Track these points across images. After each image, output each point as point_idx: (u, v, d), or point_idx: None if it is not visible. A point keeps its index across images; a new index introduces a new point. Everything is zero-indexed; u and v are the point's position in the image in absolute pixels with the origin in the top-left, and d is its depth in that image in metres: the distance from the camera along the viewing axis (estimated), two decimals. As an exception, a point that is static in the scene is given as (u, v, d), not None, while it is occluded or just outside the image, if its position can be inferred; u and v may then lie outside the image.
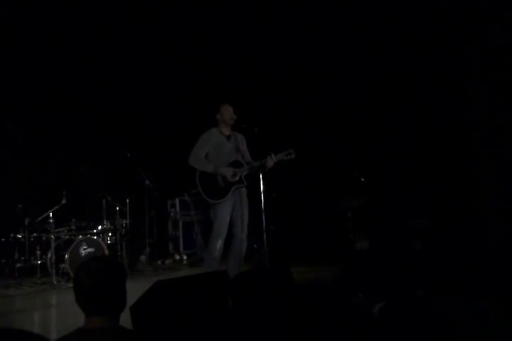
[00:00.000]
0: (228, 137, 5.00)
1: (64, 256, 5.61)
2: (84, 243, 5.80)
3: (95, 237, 5.99)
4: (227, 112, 4.92)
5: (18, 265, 5.84)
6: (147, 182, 7.02)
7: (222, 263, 4.86)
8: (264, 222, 4.79)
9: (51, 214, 5.76)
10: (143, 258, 6.90)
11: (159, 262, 7.18)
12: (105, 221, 6.29)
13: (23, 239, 5.86)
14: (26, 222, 5.81)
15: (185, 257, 7.42)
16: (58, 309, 4.72)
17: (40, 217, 5.90)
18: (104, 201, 6.34)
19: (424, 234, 5.97)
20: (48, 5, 6.30)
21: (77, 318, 4.19)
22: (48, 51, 6.77)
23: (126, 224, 6.63)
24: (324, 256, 6.25)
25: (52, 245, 5.67)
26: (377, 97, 6.91)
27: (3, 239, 5.98)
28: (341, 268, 4.84)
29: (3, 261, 6.05)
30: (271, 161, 4.76)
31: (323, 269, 5.49)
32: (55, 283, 5.51)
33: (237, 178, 4.84)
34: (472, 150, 6.16)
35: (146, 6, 6.74)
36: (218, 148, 4.90)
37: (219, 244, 4.73)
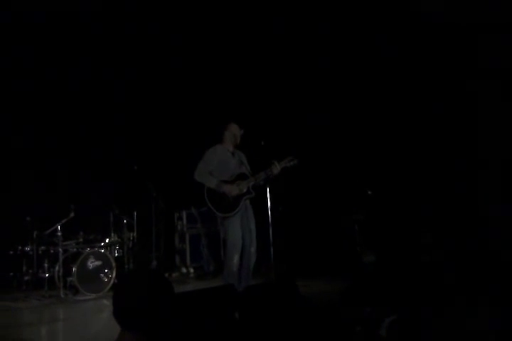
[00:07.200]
0: (233, 153, 5.15)
1: (71, 269, 5.63)
2: (91, 256, 5.82)
3: (102, 250, 6.01)
4: (236, 131, 5.11)
5: (26, 278, 5.84)
6: (154, 195, 7.07)
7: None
8: (271, 236, 4.80)
9: (59, 227, 5.77)
10: (150, 271, 6.88)
11: (166, 275, 7.16)
12: (112, 234, 6.31)
13: (31, 252, 5.86)
14: (34, 234, 5.82)
15: (192, 270, 7.42)
16: (65, 322, 4.69)
17: (49, 230, 5.91)
18: (111, 214, 6.38)
19: (431, 247, 5.94)
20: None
21: (84, 332, 4.21)
22: (57, 60, 6.80)
23: (133, 237, 6.64)
24: (331, 270, 6.22)
25: (60, 258, 5.69)
26: (382, 110, 6.92)
27: (11, 252, 5.97)
28: (348, 281, 4.82)
29: (11, 273, 6.03)
30: (276, 168, 4.87)
31: (330, 283, 5.47)
32: (63, 296, 5.52)
33: (245, 190, 4.90)
34: (477, 162, 6.14)
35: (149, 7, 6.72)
36: (223, 163, 5.03)
37: (236, 258, 4.76)
